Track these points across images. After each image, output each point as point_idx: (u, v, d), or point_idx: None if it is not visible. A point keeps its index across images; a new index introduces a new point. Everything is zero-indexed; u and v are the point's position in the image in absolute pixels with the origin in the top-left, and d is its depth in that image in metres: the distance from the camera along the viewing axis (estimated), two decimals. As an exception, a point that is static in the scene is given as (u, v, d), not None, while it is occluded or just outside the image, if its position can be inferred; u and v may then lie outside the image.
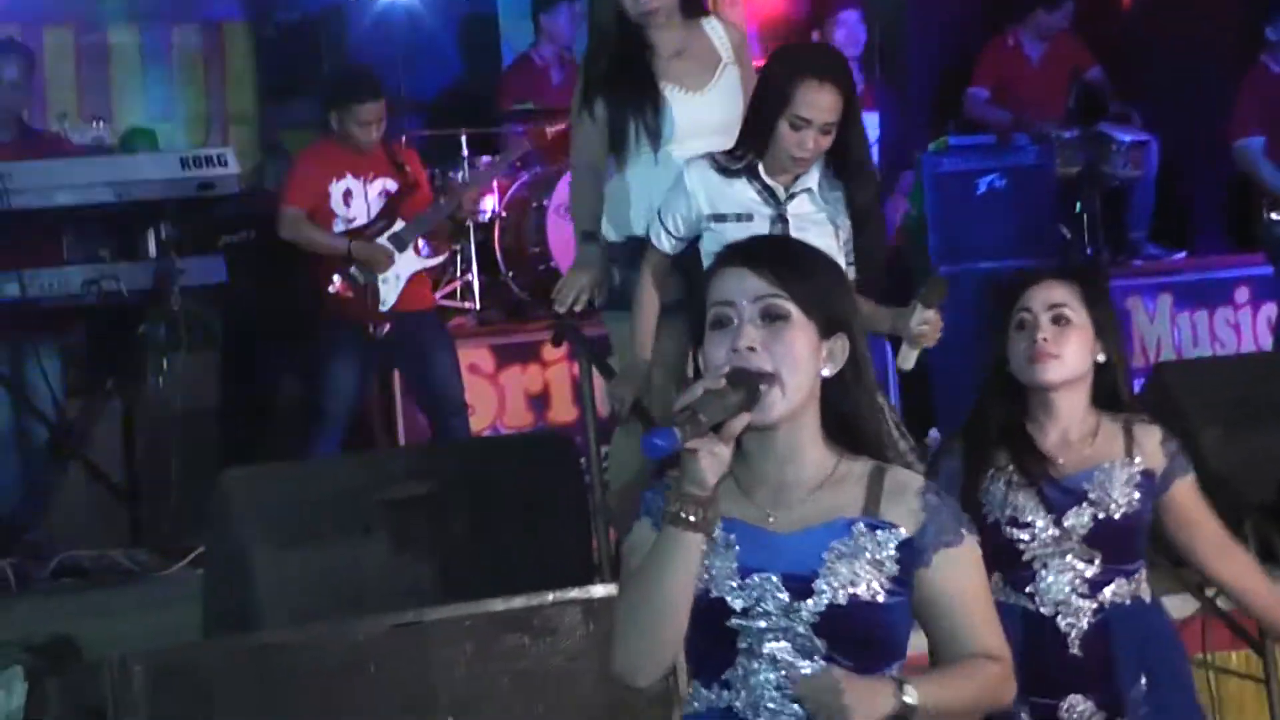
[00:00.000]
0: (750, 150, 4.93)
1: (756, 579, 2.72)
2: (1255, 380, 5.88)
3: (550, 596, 4.74)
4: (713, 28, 5.43)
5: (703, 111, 5.28)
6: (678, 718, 3.10)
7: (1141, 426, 3.73)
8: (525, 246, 8.48)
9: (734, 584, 2.72)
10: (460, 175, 8.36)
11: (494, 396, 7.98)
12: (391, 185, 7.46)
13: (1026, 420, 3.72)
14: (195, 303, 7.22)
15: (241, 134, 9.44)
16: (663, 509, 2.68)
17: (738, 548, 2.74)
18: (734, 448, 2.68)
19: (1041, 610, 3.65)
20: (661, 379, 5.15)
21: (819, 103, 4.82)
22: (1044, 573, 3.65)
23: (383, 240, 7.35)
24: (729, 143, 5.02)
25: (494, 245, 8.52)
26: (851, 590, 2.69)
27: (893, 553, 2.72)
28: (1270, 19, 8.30)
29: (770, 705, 2.71)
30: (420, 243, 7.48)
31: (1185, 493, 3.74)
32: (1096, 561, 3.64)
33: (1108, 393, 3.74)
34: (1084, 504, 3.65)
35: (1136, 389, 4.43)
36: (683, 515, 2.66)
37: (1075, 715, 3.63)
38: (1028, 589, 3.66)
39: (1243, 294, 9.23)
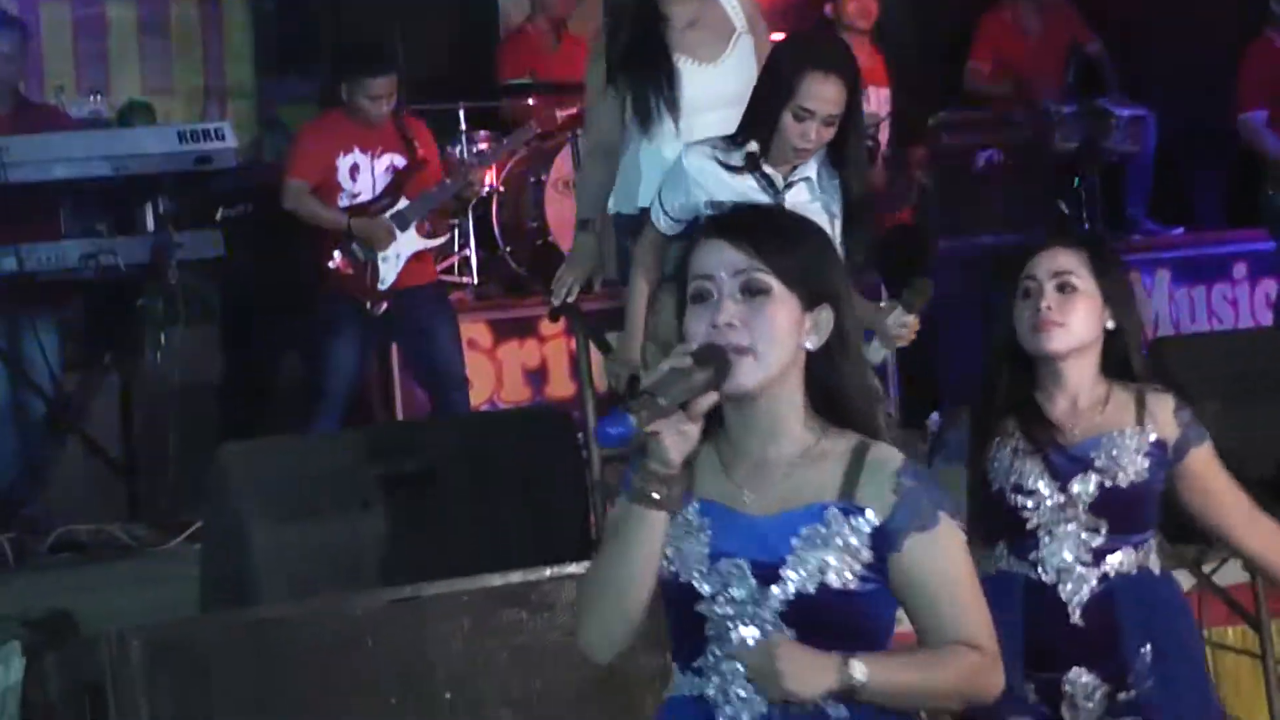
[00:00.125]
0: (750, 138, 4.92)
1: (725, 564, 2.66)
2: (1254, 356, 5.88)
3: (548, 572, 4.75)
4: None
5: (716, 83, 5.26)
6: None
7: (1155, 396, 3.67)
8: (523, 221, 8.46)
9: (703, 569, 2.67)
10: (459, 150, 8.33)
11: (491, 371, 7.97)
12: (399, 161, 7.41)
13: (1035, 389, 3.67)
14: (193, 277, 7.21)
15: (239, 108, 9.41)
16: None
17: (710, 531, 2.68)
18: (718, 421, 2.66)
19: (1043, 578, 3.60)
20: (655, 353, 5.15)
21: (823, 94, 4.82)
22: (1047, 540, 3.60)
23: (385, 218, 7.33)
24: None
25: (492, 220, 8.50)
26: (821, 578, 2.62)
27: (865, 538, 2.64)
28: (1274, -8, 8.28)
29: (741, 693, 2.65)
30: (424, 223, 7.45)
31: (1202, 461, 3.66)
32: (1102, 530, 3.59)
33: (1119, 361, 3.67)
34: (1090, 471, 3.60)
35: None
36: (647, 493, 2.62)
37: (1079, 688, 3.59)
38: (1030, 556, 3.62)
39: (1240, 269, 9.22)
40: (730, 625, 2.65)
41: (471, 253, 8.43)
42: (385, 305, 7.27)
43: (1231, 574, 5.30)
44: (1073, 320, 3.63)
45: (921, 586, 2.66)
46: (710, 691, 2.67)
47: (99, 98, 8.43)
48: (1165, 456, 3.64)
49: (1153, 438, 3.63)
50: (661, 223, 5.07)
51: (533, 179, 8.42)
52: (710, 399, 2.61)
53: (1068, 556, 3.60)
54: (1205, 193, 9.96)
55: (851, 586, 2.63)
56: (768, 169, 4.92)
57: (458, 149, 8.36)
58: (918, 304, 4.86)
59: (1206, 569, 5.25)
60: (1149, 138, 9.53)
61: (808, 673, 2.59)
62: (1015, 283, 3.70)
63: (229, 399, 7.78)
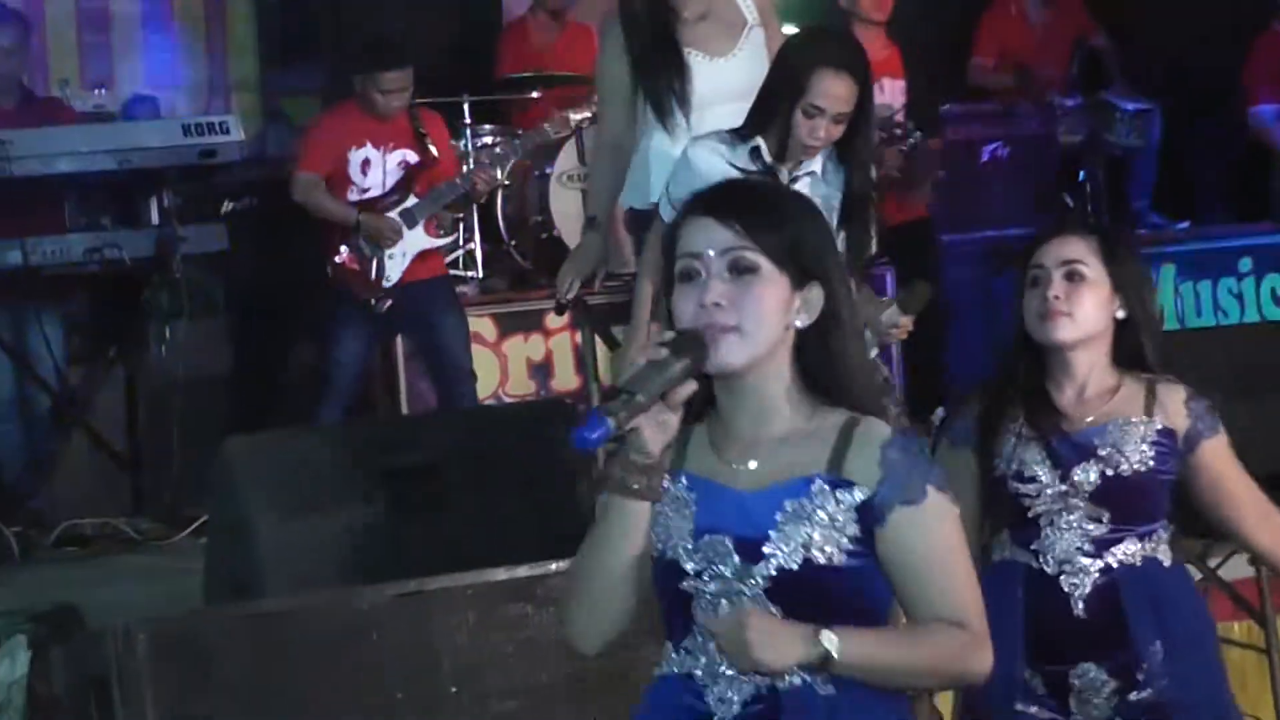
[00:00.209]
0: (757, 133, 4.91)
1: (709, 540, 2.62)
2: (1260, 350, 5.88)
3: (553, 566, 4.74)
4: None
5: (727, 77, 5.24)
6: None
7: (1166, 386, 3.62)
8: (528, 215, 8.46)
9: (688, 545, 2.63)
10: (464, 144, 8.31)
11: (496, 365, 7.96)
12: (412, 157, 7.38)
13: (1046, 378, 3.63)
14: (197, 271, 7.21)
15: (243, 101, 9.41)
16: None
17: (696, 507, 2.64)
18: (710, 402, 2.64)
19: (1045, 569, 3.57)
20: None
21: (834, 92, 4.81)
22: (1049, 529, 3.57)
23: (393, 215, 7.31)
24: None
25: (497, 214, 8.50)
26: (805, 554, 2.58)
27: (851, 512, 2.59)
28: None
29: (728, 672, 2.61)
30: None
31: (1213, 453, 3.62)
32: (1105, 520, 3.55)
33: (1131, 351, 3.63)
34: (1092, 460, 3.56)
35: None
36: (627, 484, 2.61)
37: (1087, 682, 3.55)
38: (1032, 546, 3.59)
39: (1246, 264, 9.21)
40: (717, 602, 2.62)
41: (476, 246, 8.42)
42: (389, 303, 7.25)
43: (1237, 568, 5.29)
44: (1080, 310, 3.59)
45: (906, 561, 2.60)
46: (698, 671, 2.64)
47: (103, 91, 8.43)
48: (1175, 447, 3.60)
49: (1160, 427, 3.58)
50: (669, 216, 5.06)
51: (537, 173, 8.41)
52: (690, 387, 2.58)
53: (1069, 546, 3.56)
54: (1210, 186, 9.95)
55: (838, 562, 2.58)
56: (773, 163, 4.91)
57: (463, 143, 8.34)
58: (914, 309, 4.86)
59: (1212, 563, 5.25)
60: (1154, 131, 9.53)
61: (777, 643, 2.54)
62: (1024, 271, 3.66)
63: (234, 393, 7.78)
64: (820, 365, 2.65)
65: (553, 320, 7.84)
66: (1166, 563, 3.61)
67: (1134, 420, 3.59)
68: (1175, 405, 3.61)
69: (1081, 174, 9.38)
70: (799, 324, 2.64)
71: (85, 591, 5.30)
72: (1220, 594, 5.28)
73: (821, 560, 2.58)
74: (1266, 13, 8.43)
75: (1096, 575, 3.56)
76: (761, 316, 2.60)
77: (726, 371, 2.62)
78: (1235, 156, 9.27)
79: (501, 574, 4.73)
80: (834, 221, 4.93)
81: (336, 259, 7.27)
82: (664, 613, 2.69)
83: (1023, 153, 9.10)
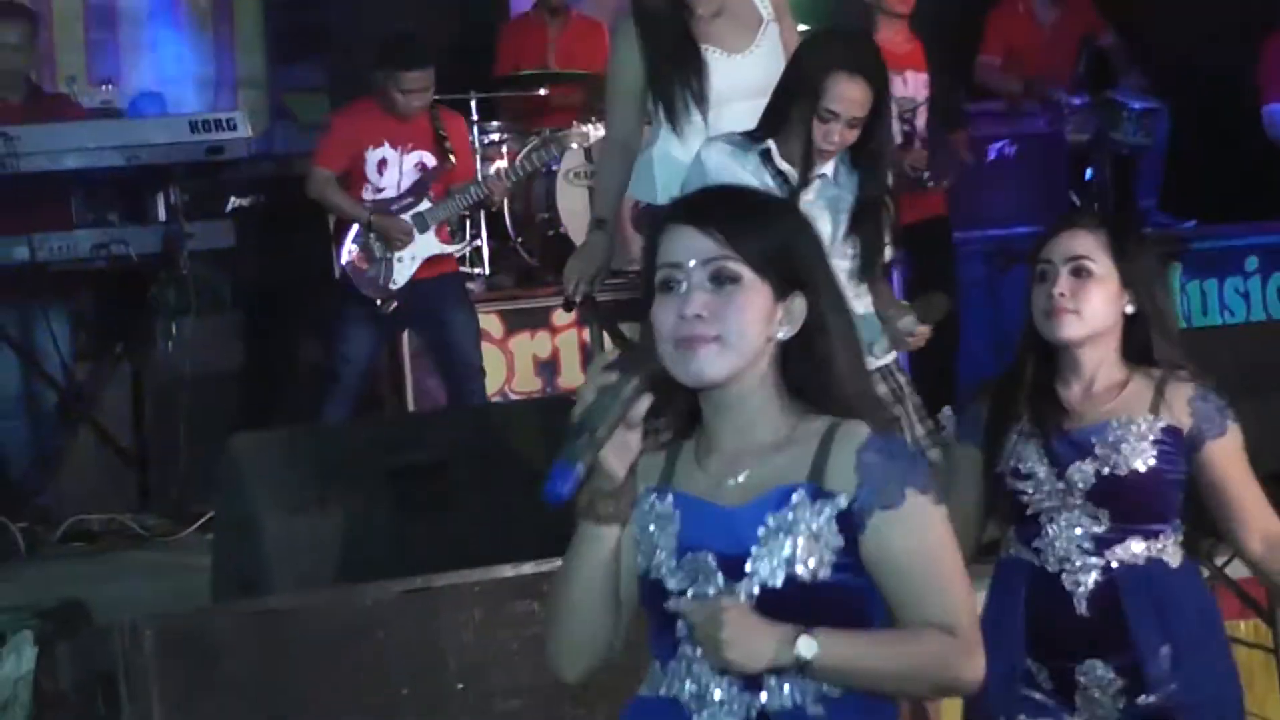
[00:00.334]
0: (769, 134, 4.89)
1: (691, 557, 2.56)
2: (1266, 349, 5.86)
3: (559, 562, 4.72)
4: None
5: (745, 73, 5.18)
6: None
7: (1174, 383, 3.57)
8: (534, 212, 8.46)
9: (671, 563, 2.57)
10: (473, 142, 8.29)
11: (503, 362, 7.97)
12: (429, 160, 7.36)
13: (1054, 374, 3.60)
14: (204, 267, 7.21)
15: (250, 97, 9.42)
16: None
17: (679, 525, 2.58)
18: (696, 418, 2.60)
19: (1047, 567, 3.55)
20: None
21: (849, 96, 4.77)
22: (1050, 527, 3.54)
23: (406, 218, 7.29)
24: None
25: (503, 211, 8.50)
26: (789, 569, 2.50)
27: (832, 523, 2.52)
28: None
29: (717, 697, 2.55)
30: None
31: (1217, 453, 3.57)
32: (1104, 519, 3.52)
33: (1141, 347, 3.59)
34: (1089, 458, 3.52)
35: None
36: (595, 510, 2.59)
37: (1093, 680, 3.52)
38: (1034, 544, 3.56)
39: (1253, 262, 9.20)
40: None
41: (483, 243, 8.43)
42: (395, 305, 7.23)
43: (1244, 567, 5.27)
44: (1087, 307, 3.55)
45: (891, 567, 2.52)
46: (684, 697, 2.57)
47: (110, 87, 8.43)
48: (1180, 445, 3.56)
49: (1163, 425, 3.54)
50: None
51: (544, 170, 8.41)
52: (646, 401, 2.54)
53: (1069, 545, 3.53)
54: (1217, 185, 9.94)
55: (823, 576, 2.51)
56: (784, 166, 4.89)
57: (472, 139, 8.33)
58: (931, 320, 4.85)
59: (1219, 561, 5.24)
60: (1161, 130, 9.52)
61: (750, 643, 2.46)
62: (1034, 265, 3.62)
63: (241, 389, 7.79)
64: (806, 373, 2.58)
65: (559, 317, 7.85)
66: (1173, 564, 3.57)
67: (1136, 419, 3.55)
68: (1180, 403, 3.57)
69: (1089, 172, 9.37)
70: (781, 336, 2.57)
71: (92, 587, 5.30)
72: (1227, 593, 5.27)
73: (805, 575, 2.51)
74: (1275, 11, 8.41)
75: (1097, 574, 3.53)
76: (743, 328, 2.54)
77: (708, 384, 2.56)
78: (1242, 155, 9.25)
79: (508, 571, 4.73)
80: (845, 224, 4.91)
81: (346, 257, 7.26)
82: (651, 632, 2.63)
83: (1030, 151, 9.09)
